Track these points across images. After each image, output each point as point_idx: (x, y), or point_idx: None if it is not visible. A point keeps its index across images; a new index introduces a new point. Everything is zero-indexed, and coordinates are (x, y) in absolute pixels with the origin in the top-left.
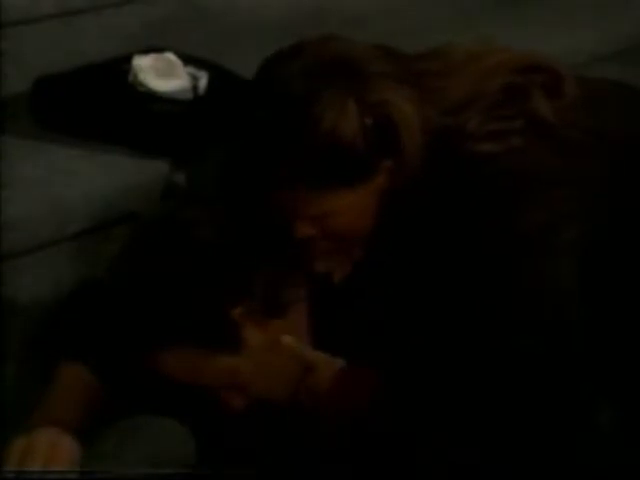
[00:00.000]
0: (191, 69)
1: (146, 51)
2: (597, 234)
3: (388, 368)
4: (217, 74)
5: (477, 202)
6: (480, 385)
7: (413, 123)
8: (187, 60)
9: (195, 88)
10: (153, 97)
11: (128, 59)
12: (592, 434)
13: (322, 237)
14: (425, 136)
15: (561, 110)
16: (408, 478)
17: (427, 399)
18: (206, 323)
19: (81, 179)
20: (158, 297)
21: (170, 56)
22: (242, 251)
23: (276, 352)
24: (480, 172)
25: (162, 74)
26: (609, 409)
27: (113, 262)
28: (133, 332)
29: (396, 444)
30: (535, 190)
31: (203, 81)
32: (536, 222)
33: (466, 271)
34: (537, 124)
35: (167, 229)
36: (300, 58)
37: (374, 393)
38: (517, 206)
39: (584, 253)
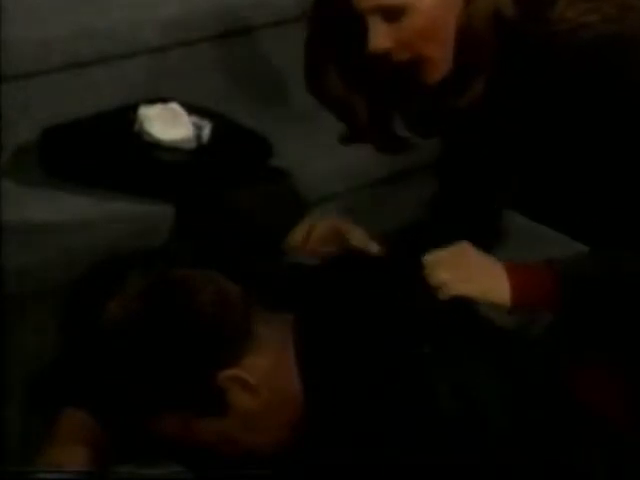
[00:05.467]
0: (195, 118)
1: (152, 101)
2: None
3: None
4: (220, 123)
5: (582, 67)
6: None
7: None
8: (191, 110)
9: (199, 137)
10: (158, 146)
11: (134, 109)
12: None
13: (398, 48)
14: None
15: None
16: None
17: None
18: (191, 391)
19: (87, 225)
20: (147, 359)
21: (175, 106)
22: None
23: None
24: (578, 38)
25: (167, 123)
26: None
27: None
28: (122, 393)
29: None
30: None
31: (206, 130)
32: None
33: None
34: (627, 7)
35: (168, 291)
36: None
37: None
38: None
39: None
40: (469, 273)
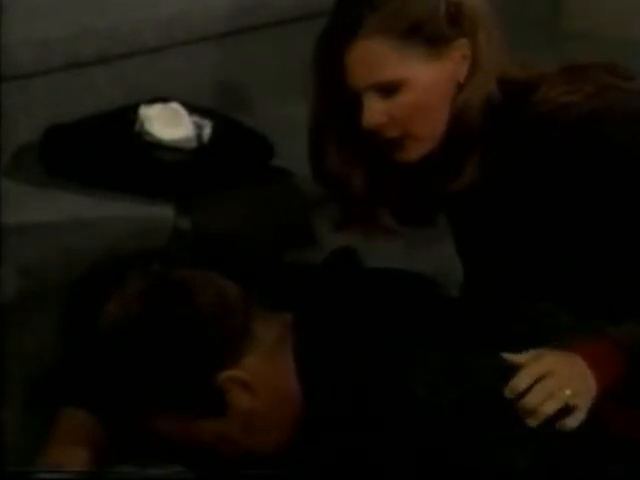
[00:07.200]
0: (196, 118)
1: (152, 101)
2: None
3: None
4: (221, 123)
5: (572, 144)
6: None
7: (493, 32)
8: (192, 109)
9: (199, 136)
10: (159, 145)
11: (135, 109)
12: None
13: (390, 124)
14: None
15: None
16: None
17: None
18: (191, 392)
19: (87, 225)
20: (147, 360)
21: (175, 106)
22: (240, 313)
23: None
24: (564, 117)
25: (168, 123)
26: None
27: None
28: (121, 394)
29: None
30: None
31: (207, 130)
32: None
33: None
34: (608, 85)
35: (167, 292)
36: None
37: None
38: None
39: None
40: (577, 387)
